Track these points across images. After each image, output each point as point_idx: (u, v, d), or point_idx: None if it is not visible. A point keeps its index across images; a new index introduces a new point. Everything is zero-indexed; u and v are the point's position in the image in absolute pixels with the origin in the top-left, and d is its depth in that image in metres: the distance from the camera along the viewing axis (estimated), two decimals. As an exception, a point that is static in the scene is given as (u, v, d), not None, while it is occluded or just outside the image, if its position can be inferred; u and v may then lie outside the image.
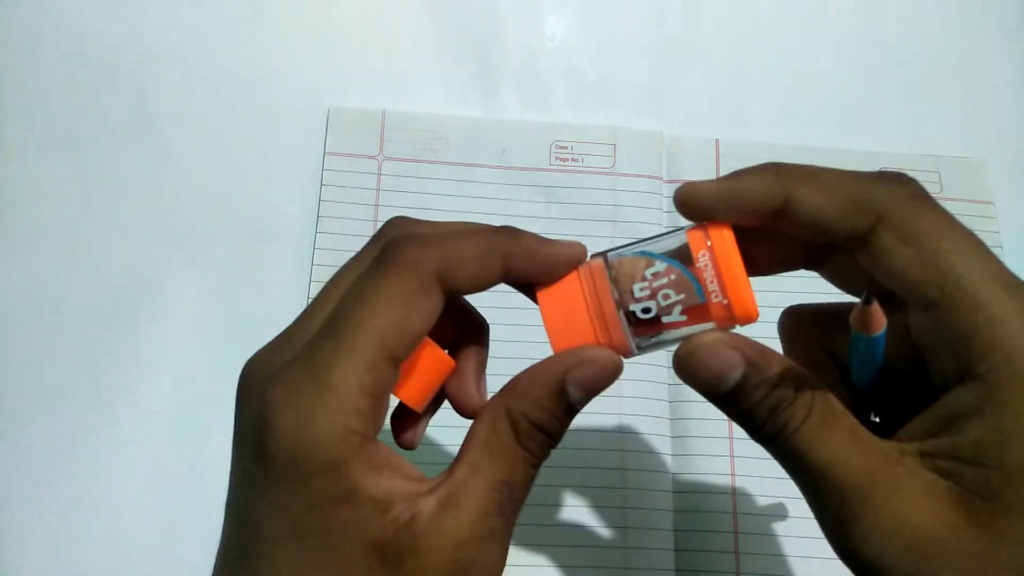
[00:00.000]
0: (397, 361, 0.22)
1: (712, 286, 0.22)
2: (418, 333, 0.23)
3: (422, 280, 0.22)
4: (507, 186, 0.45)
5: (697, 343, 0.23)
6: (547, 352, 0.25)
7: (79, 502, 0.39)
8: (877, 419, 0.25)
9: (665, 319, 0.23)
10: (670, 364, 0.42)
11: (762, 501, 0.40)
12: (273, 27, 0.48)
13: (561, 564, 0.39)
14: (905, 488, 0.20)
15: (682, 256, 0.23)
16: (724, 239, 0.23)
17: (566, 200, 0.45)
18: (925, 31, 0.50)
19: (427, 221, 0.25)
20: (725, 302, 0.22)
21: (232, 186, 0.45)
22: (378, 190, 0.44)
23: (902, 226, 0.21)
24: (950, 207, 0.22)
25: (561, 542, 0.39)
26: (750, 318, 0.23)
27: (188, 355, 0.42)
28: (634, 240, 0.25)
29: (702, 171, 0.45)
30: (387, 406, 0.23)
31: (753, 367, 0.22)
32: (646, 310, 0.23)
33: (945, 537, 0.19)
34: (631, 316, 0.23)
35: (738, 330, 0.23)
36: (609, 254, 0.24)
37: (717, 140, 0.46)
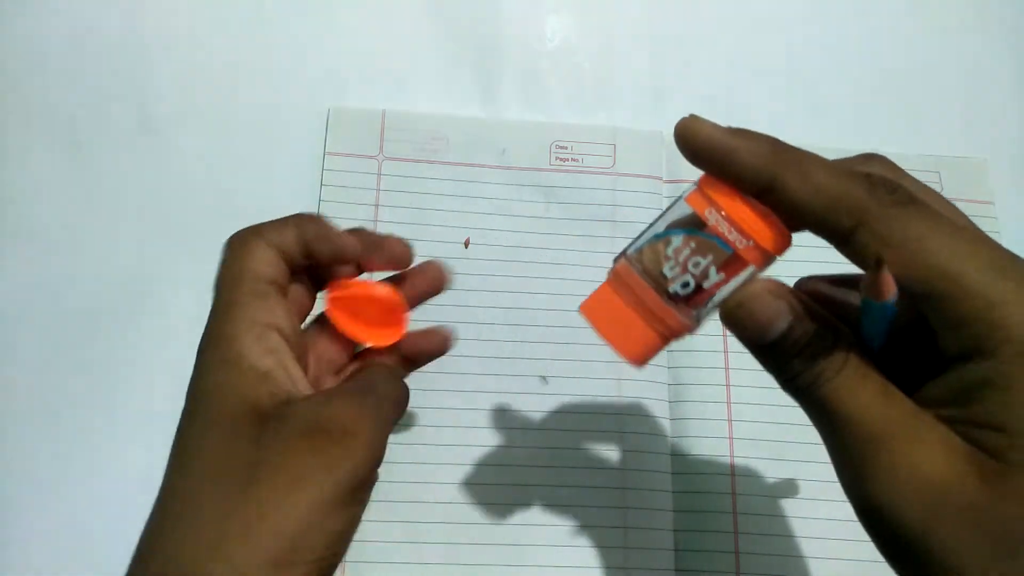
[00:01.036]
0: (277, 284, 0.28)
1: (732, 235, 0.23)
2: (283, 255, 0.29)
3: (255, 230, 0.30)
4: (507, 186, 0.45)
5: (747, 293, 0.23)
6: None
7: (79, 502, 0.39)
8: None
9: (706, 284, 0.23)
10: (670, 364, 0.42)
11: (762, 501, 0.40)
12: (273, 27, 0.48)
13: (561, 564, 0.39)
14: (923, 439, 0.21)
15: (693, 223, 0.23)
16: (722, 189, 0.23)
17: (566, 200, 0.45)
18: (925, 31, 0.50)
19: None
20: (751, 243, 0.23)
21: (232, 186, 0.45)
22: (378, 190, 0.44)
23: (883, 232, 0.21)
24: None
25: (561, 542, 0.39)
26: (784, 245, 0.23)
27: (188, 355, 0.41)
28: (642, 231, 0.25)
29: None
30: (279, 305, 0.28)
31: (798, 317, 0.23)
32: (685, 284, 0.23)
33: (955, 488, 0.20)
34: (675, 296, 0.24)
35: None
36: (627, 252, 0.25)
37: (717, 140, 0.46)
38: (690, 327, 0.24)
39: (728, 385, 0.41)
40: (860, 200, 0.22)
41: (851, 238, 0.22)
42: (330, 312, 0.31)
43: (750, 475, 0.40)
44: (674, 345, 0.44)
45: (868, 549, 0.22)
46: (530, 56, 0.48)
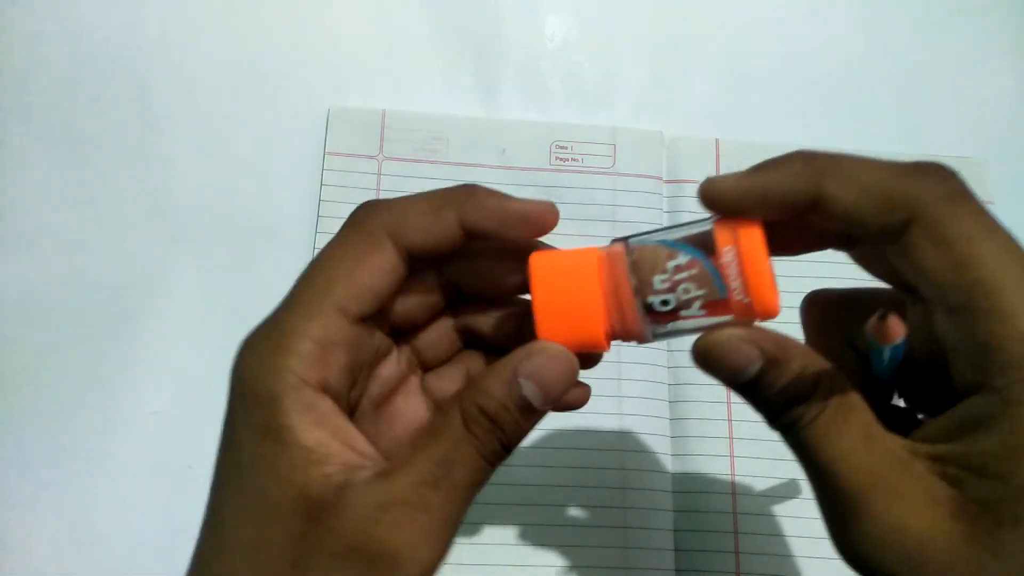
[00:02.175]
0: (351, 316, 0.23)
1: (735, 283, 0.22)
2: (369, 288, 0.23)
3: (370, 237, 0.23)
4: (507, 186, 0.44)
5: (715, 339, 0.22)
6: None
7: (79, 502, 0.39)
8: (903, 402, 0.25)
9: (683, 312, 0.23)
10: (670, 364, 0.42)
11: (762, 501, 0.40)
12: (273, 27, 0.48)
13: (561, 564, 0.39)
14: (906, 493, 0.20)
15: (706, 247, 0.22)
16: (752, 237, 0.22)
17: (566, 200, 0.45)
18: (925, 31, 0.50)
19: (397, 197, 0.25)
20: (747, 301, 0.22)
21: (232, 186, 0.45)
22: (378, 190, 0.44)
23: (935, 228, 0.20)
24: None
25: (561, 542, 0.39)
26: (770, 315, 0.22)
27: (188, 355, 0.42)
28: (657, 228, 0.24)
29: (702, 171, 0.45)
30: (340, 360, 0.23)
31: (772, 361, 0.22)
32: (664, 303, 0.23)
33: (941, 545, 0.19)
34: (648, 307, 0.23)
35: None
36: (630, 240, 0.23)
37: (717, 140, 0.46)
38: (643, 338, 0.23)
39: (728, 385, 0.41)
40: (912, 192, 0.20)
41: (904, 236, 0.21)
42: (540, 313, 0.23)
43: (750, 476, 0.40)
44: (674, 344, 0.44)
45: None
46: (530, 56, 0.48)
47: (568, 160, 0.46)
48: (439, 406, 0.24)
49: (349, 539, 0.20)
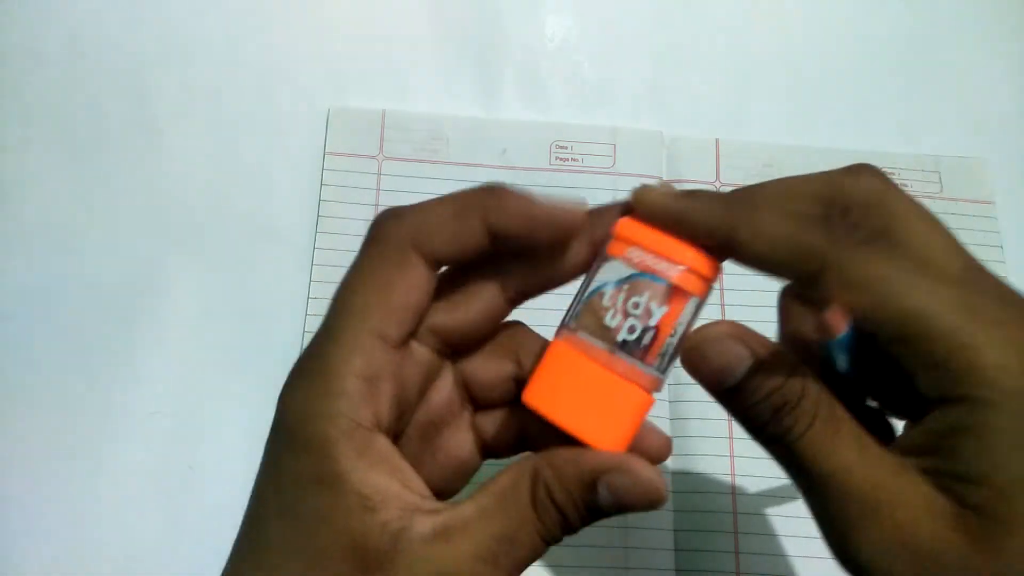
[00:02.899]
0: (392, 341, 0.22)
1: (661, 266, 0.22)
2: (405, 307, 0.22)
3: (396, 253, 0.22)
4: (507, 186, 0.45)
5: (702, 335, 0.22)
6: None
7: (79, 502, 0.39)
8: (875, 403, 0.25)
9: (652, 322, 0.22)
10: (670, 364, 0.42)
11: (762, 501, 0.40)
12: (273, 27, 0.48)
13: (561, 564, 0.39)
14: (908, 503, 0.20)
15: (617, 272, 0.23)
16: (631, 228, 0.23)
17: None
18: (925, 31, 0.50)
19: (417, 203, 0.24)
20: (684, 268, 0.22)
21: (232, 186, 0.45)
22: (378, 190, 0.44)
23: (847, 274, 0.21)
24: (950, 207, 0.22)
25: (561, 542, 0.39)
26: (714, 267, 0.23)
27: (188, 355, 0.42)
28: (571, 302, 0.24)
29: (702, 171, 0.45)
30: (388, 391, 0.22)
31: (760, 363, 0.22)
32: (631, 329, 0.22)
33: (945, 554, 0.19)
34: (626, 345, 0.22)
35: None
36: (566, 322, 0.23)
37: (717, 140, 0.46)
38: (656, 380, 0.23)
39: (728, 385, 0.41)
40: (817, 246, 0.21)
41: (816, 283, 0.21)
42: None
43: (750, 475, 0.40)
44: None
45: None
46: (530, 56, 0.48)
47: (568, 160, 0.46)
48: (506, 476, 0.22)
49: None
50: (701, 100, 0.48)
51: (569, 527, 0.22)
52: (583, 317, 0.23)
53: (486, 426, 0.26)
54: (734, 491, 0.40)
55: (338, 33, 0.48)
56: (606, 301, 0.22)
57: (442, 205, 0.23)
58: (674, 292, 0.22)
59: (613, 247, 0.23)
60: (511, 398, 0.26)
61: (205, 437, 0.40)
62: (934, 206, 0.22)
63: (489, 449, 0.27)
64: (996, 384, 0.19)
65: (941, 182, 0.46)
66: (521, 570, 0.22)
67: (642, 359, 0.22)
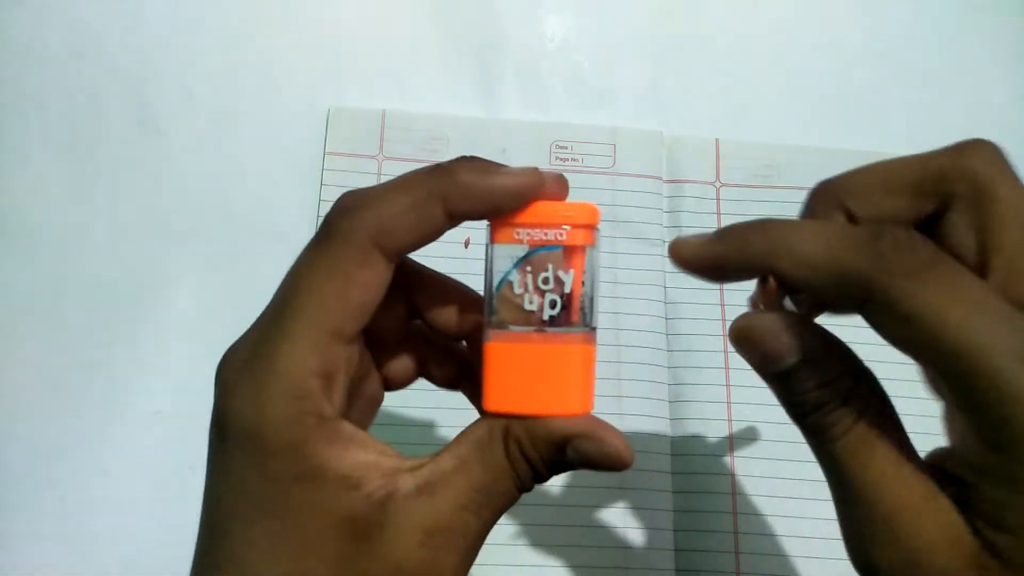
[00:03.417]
0: (346, 337, 0.22)
1: (550, 234, 0.23)
2: (361, 305, 0.22)
3: (358, 250, 0.22)
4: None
5: (755, 322, 0.22)
6: None
7: (79, 502, 0.39)
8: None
9: (566, 289, 0.23)
10: (670, 364, 0.42)
11: (762, 501, 0.40)
12: (273, 27, 0.48)
13: (561, 564, 0.39)
14: (930, 531, 0.20)
15: (511, 254, 0.23)
16: (501, 221, 0.23)
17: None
18: (925, 31, 0.50)
19: (370, 186, 0.24)
20: (567, 227, 0.23)
21: (232, 186, 0.45)
22: (378, 190, 0.44)
23: (895, 304, 0.20)
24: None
25: (561, 542, 0.39)
26: (593, 211, 0.23)
27: (188, 355, 0.42)
28: (484, 299, 0.24)
29: (702, 171, 0.45)
30: (343, 384, 0.23)
31: (809, 359, 0.21)
32: (552, 304, 0.23)
33: None
34: (554, 320, 0.23)
35: None
36: (489, 320, 0.24)
37: (717, 140, 0.46)
38: (591, 335, 0.23)
39: (728, 385, 0.41)
40: (863, 272, 0.20)
41: (865, 305, 0.20)
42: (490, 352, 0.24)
43: (750, 475, 0.40)
44: (674, 344, 0.44)
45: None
46: (530, 56, 0.48)
47: (568, 160, 0.46)
48: (479, 428, 0.23)
49: (397, 560, 0.21)
50: (701, 100, 0.48)
51: (540, 478, 0.23)
52: (502, 311, 0.23)
53: (391, 365, 0.27)
54: (734, 491, 0.40)
55: (338, 33, 0.48)
56: (517, 288, 0.23)
57: (400, 193, 0.22)
58: (571, 252, 0.23)
59: (498, 235, 0.23)
60: (405, 335, 0.27)
61: (205, 437, 0.39)
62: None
63: (391, 383, 0.28)
64: None
65: (941, 182, 0.46)
66: (499, 516, 0.23)
67: (568, 323, 0.23)
